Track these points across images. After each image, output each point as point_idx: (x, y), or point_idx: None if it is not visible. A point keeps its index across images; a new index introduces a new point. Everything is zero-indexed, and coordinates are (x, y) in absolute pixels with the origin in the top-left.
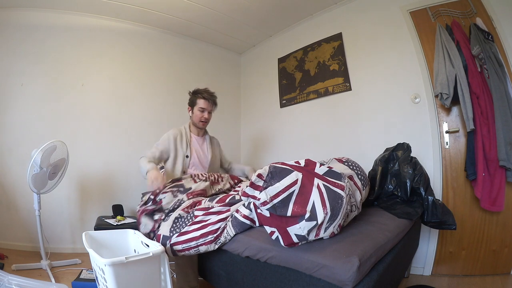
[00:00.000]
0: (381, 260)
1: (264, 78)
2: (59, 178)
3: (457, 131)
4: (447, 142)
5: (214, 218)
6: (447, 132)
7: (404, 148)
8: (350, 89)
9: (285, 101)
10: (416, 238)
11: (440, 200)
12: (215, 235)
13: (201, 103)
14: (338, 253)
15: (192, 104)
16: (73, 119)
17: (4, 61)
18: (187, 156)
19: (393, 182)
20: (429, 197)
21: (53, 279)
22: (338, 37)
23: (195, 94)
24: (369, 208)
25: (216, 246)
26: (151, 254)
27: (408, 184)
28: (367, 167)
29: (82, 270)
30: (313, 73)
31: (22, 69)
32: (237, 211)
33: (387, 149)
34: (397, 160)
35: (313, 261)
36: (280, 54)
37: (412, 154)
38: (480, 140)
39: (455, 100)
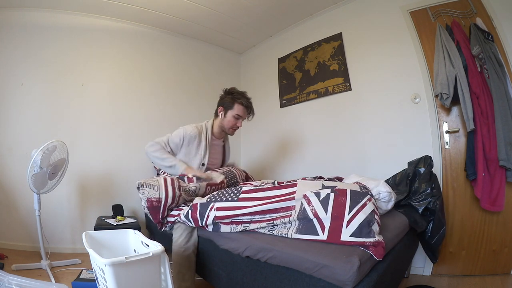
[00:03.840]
0: (381, 260)
1: (264, 78)
2: (59, 178)
3: (457, 131)
4: (447, 142)
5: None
6: (447, 132)
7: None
8: (350, 89)
9: (285, 101)
10: (416, 238)
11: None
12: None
13: (239, 109)
14: (338, 253)
15: (227, 106)
16: (73, 119)
17: (4, 61)
18: (203, 164)
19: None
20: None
21: (53, 279)
22: (338, 37)
23: (234, 98)
24: None
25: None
26: (151, 254)
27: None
28: (367, 166)
29: (82, 270)
30: (313, 73)
31: (22, 69)
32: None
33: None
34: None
35: (313, 261)
36: (280, 54)
37: (412, 155)
38: (480, 140)
39: (455, 100)
